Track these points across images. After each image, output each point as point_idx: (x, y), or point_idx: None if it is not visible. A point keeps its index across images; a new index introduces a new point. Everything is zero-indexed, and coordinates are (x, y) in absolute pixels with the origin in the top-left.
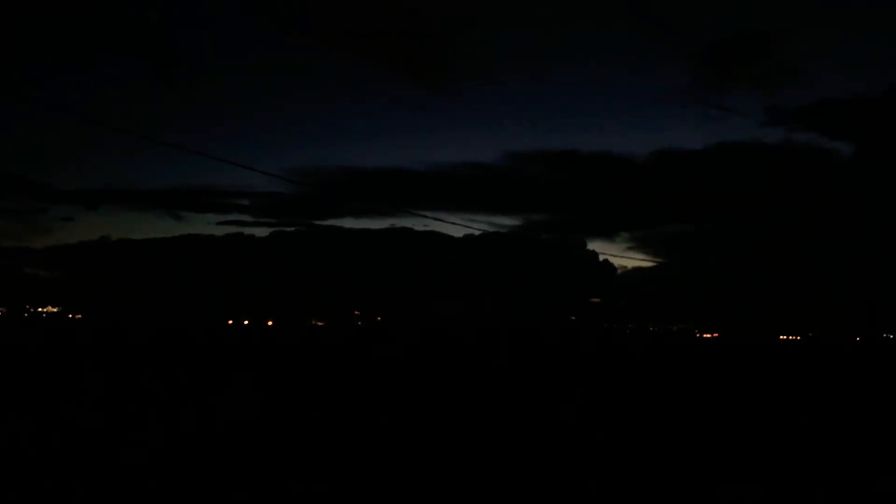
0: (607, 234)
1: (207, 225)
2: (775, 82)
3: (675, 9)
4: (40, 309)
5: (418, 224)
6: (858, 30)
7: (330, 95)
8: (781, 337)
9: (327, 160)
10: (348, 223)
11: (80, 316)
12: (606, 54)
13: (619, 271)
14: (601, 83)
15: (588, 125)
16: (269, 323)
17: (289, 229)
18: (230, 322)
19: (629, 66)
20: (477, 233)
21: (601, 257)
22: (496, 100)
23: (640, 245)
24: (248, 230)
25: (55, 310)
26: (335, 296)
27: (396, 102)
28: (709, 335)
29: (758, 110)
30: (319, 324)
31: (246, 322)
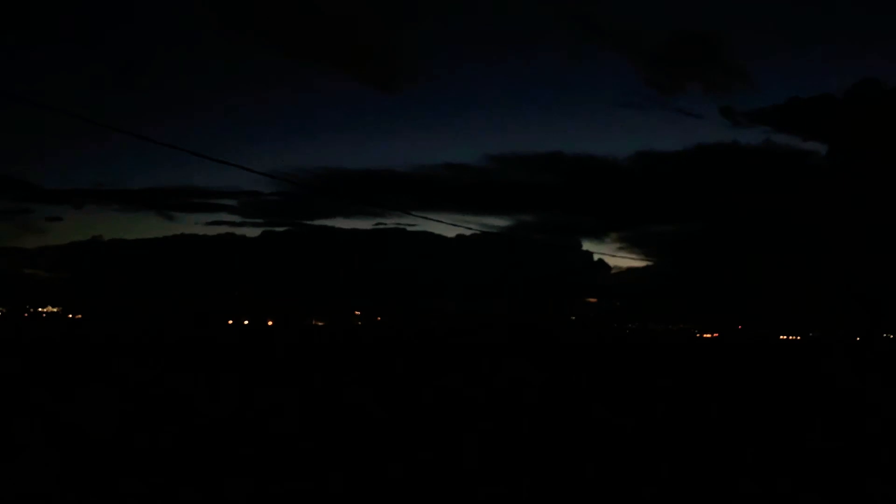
0: (597, 235)
1: (196, 225)
2: (724, 84)
3: (616, 14)
4: (41, 309)
5: (402, 224)
6: (805, 33)
7: (296, 97)
8: (781, 337)
9: (305, 161)
10: (338, 223)
11: (80, 316)
12: (560, 60)
13: (612, 271)
14: (559, 87)
15: (538, 125)
16: (270, 323)
17: (279, 229)
18: (230, 322)
19: (583, 70)
20: (468, 233)
21: (595, 257)
22: (468, 102)
23: (629, 245)
24: (238, 230)
25: (56, 310)
26: (333, 296)
27: (373, 105)
28: (708, 335)
29: (712, 111)
30: (320, 324)
31: (246, 322)
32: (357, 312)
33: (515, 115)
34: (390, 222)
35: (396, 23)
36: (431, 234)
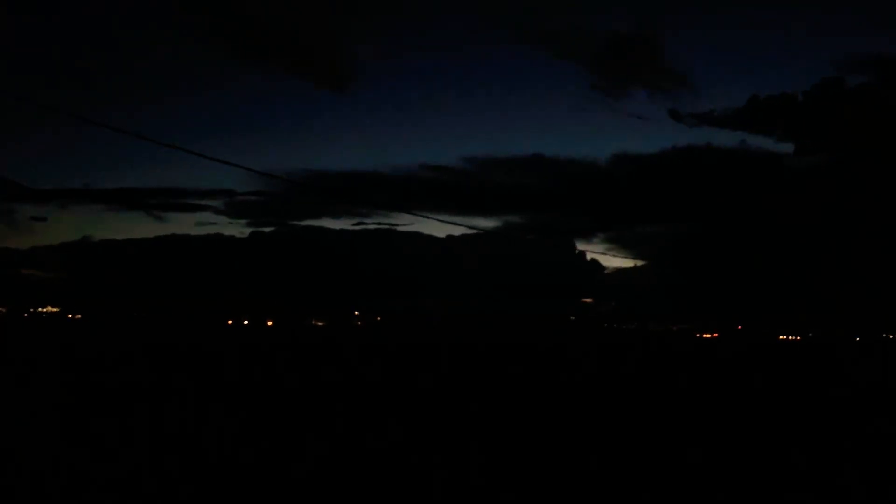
0: (585, 236)
1: (183, 225)
2: (667, 86)
3: (555, 18)
4: (41, 309)
5: (389, 224)
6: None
7: (244, 98)
8: (781, 337)
9: (285, 163)
10: (326, 223)
11: (79, 316)
12: (511, 64)
13: (605, 271)
14: (515, 90)
15: (502, 128)
16: (269, 323)
17: (266, 230)
18: (230, 322)
19: (534, 74)
20: (457, 233)
21: (588, 257)
22: (415, 105)
23: (618, 246)
24: (226, 231)
25: (55, 310)
26: (330, 296)
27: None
28: (708, 335)
29: (662, 114)
30: (319, 324)
31: (246, 322)
32: (357, 313)
33: (475, 117)
34: (373, 222)
35: (343, 25)
36: (422, 234)
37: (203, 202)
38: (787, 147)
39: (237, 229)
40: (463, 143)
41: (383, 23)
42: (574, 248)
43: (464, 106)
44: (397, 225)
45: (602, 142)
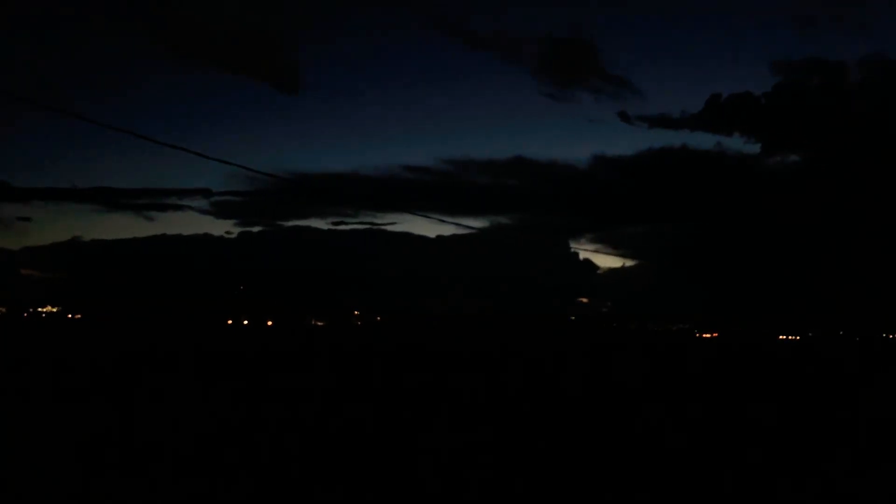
0: (573, 236)
1: (169, 224)
2: (611, 90)
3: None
4: (40, 309)
5: (375, 224)
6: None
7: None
8: (781, 337)
9: (265, 165)
10: (314, 223)
11: (80, 316)
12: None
13: (598, 271)
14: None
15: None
16: (269, 323)
17: (254, 230)
18: (230, 322)
19: (490, 77)
20: (448, 233)
21: (580, 256)
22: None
23: (606, 246)
24: (214, 231)
25: (55, 310)
26: (327, 296)
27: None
28: (708, 335)
29: (612, 116)
30: (319, 324)
31: (246, 322)
32: (356, 312)
33: (443, 121)
34: (356, 222)
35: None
36: (412, 234)
37: (184, 202)
38: (754, 148)
39: (224, 229)
40: (438, 145)
41: (327, 30)
42: (568, 247)
43: (427, 111)
44: (385, 224)
45: (566, 145)
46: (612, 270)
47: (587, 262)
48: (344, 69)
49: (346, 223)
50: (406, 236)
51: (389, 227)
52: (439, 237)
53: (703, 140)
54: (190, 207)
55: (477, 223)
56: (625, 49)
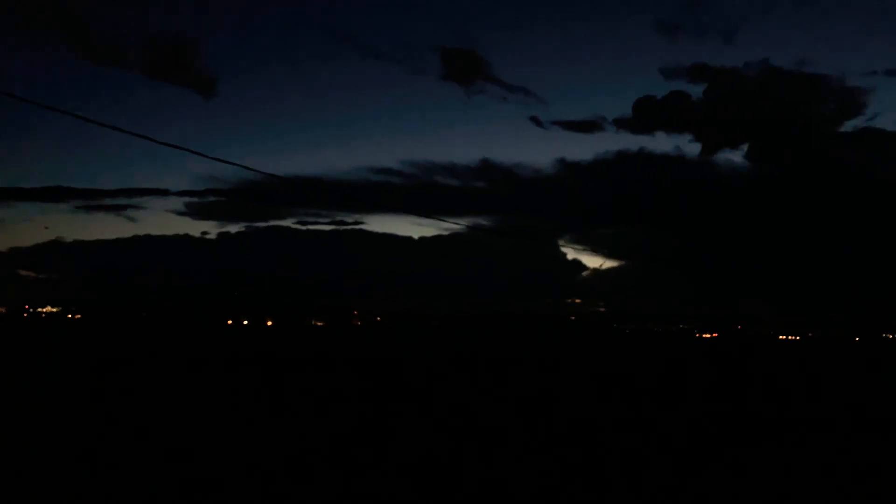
0: (554, 237)
1: (147, 225)
2: (513, 98)
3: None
4: (40, 310)
5: (342, 224)
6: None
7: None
8: (781, 337)
9: (215, 165)
10: (291, 223)
11: (79, 316)
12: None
13: (584, 272)
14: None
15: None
16: (269, 323)
17: (233, 230)
18: (230, 322)
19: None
20: (430, 234)
21: (569, 256)
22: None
23: (585, 247)
24: (193, 231)
25: (55, 310)
26: (325, 296)
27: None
28: (707, 335)
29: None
30: (319, 324)
31: (245, 322)
32: (356, 312)
33: (380, 127)
34: (328, 222)
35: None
36: (395, 235)
37: (158, 202)
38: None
39: (201, 229)
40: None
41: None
42: (557, 246)
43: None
44: (355, 224)
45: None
46: (592, 271)
47: (576, 262)
48: (260, 75)
49: (320, 223)
50: (391, 237)
51: (369, 229)
52: (422, 238)
53: (664, 143)
54: (160, 207)
55: (456, 225)
56: (516, 56)
